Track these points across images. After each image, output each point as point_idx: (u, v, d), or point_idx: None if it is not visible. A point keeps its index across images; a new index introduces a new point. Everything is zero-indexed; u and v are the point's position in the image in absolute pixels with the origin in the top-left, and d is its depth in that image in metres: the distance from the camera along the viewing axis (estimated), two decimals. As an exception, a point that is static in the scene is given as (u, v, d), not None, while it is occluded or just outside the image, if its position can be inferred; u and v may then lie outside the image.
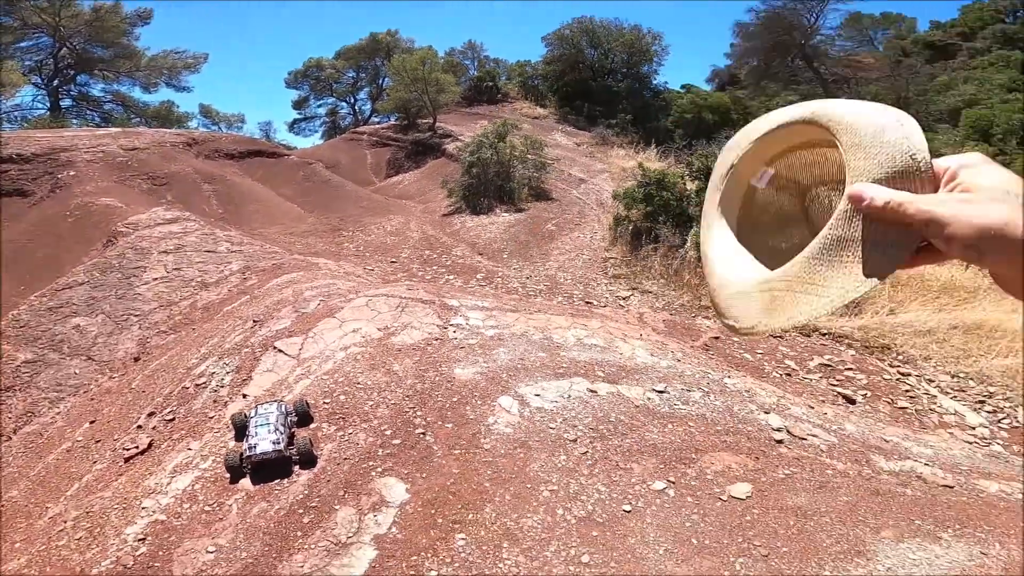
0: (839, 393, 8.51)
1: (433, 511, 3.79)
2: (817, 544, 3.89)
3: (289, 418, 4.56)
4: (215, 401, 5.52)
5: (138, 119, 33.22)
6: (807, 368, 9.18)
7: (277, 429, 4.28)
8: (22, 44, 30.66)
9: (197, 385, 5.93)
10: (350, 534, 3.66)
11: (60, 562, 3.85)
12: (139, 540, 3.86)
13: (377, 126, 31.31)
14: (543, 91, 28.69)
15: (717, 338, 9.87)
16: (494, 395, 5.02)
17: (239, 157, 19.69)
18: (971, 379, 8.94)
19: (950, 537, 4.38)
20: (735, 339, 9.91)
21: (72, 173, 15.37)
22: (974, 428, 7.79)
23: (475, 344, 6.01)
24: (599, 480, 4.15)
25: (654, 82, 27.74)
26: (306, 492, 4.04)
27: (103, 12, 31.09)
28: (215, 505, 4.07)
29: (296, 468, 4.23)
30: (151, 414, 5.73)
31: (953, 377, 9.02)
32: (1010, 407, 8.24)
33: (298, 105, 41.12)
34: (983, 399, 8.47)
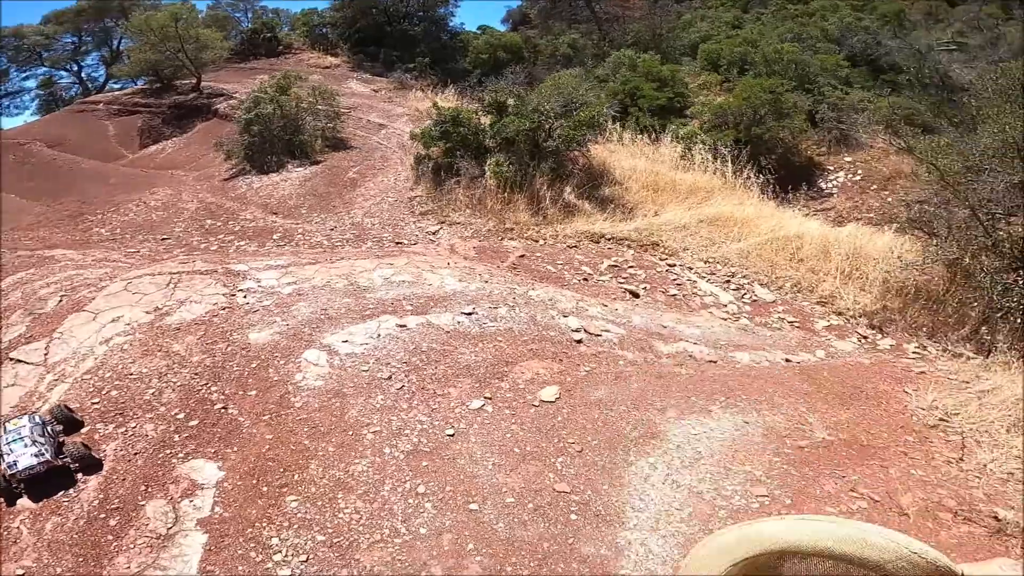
0: (626, 289, 9.69)
1: (255, 481, 3.67)
2: (620, 432, 4.58)
3: (48, 427, 4.00)
4: None
5: None
6: (599, 271, 10.38)
7: (36, 441, 3.78)
8: None
9: None
10: (169, 524, 3.43)
11: None
12: None
13: (117, 93, 25.99)
14: (333, 40, 26.37)
15: (523, 256, 10.62)
16: (298, 351, 4.83)
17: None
18: (718, 263, 10.54)
19: (718, 409, 5.16)
20: (538, 254, 10.77)
21: None
22: (726, 305, 9.04)
23: (271, 305, 5.64)
24: (419, 411, 4.36)
25: (451, 25, 27.33)
26: (101, 496, 3.65)
27: None
28: (2, 531, 3.46)
29: (80, 475, 3.79)
30: None
31: (706, 263, 10.56)
32: (747, 283, 9.88)
33: None
34: (728, 279, 10.06)
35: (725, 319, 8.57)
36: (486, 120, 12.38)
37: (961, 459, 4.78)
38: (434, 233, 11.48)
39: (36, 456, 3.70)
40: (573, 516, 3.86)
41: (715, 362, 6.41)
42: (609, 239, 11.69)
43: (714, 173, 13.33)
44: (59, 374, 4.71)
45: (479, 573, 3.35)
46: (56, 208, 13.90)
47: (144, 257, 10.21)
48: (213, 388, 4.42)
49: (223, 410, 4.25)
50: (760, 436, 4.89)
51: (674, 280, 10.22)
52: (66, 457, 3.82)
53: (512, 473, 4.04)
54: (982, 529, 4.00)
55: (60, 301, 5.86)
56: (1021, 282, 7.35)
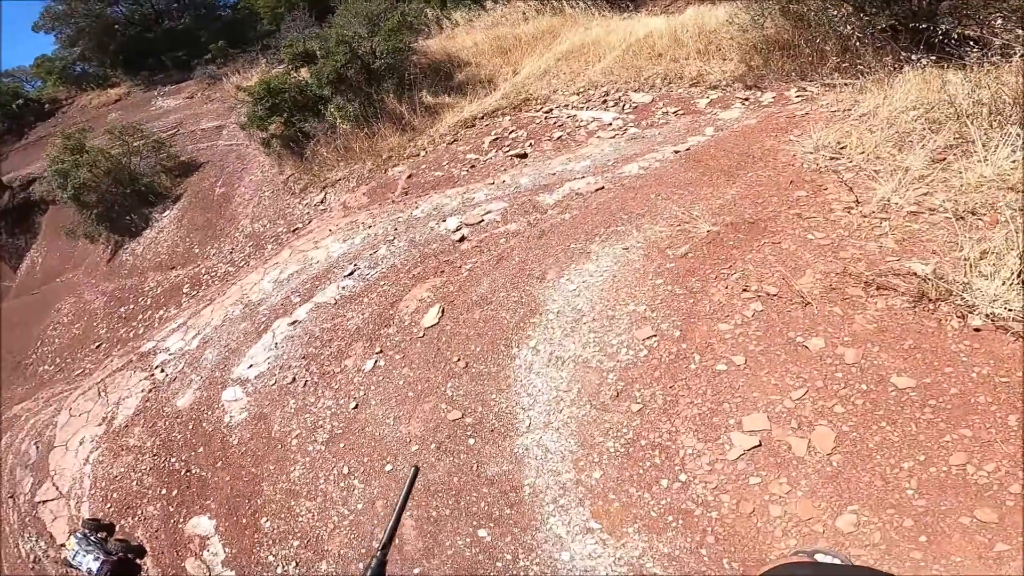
0: (513, 155, 9.76)
1: (236, 518, 4.47)
2: (500, 325, 4.47)
3: (91, 536, 4.89)
4: (56, 562, 5.35)
5: None
6: (483, 151, 10.44)
7: (87, 550, 4.69)
8: None
9: (36, 562, 5.48)
10: (206, 574, 4.22)
11: None
12: None
13: None
14: (99, 73, 23.72)
15: (411, 175, 10.63)
16: (217, 397, 5.36)
17: None
18: (589, 89, 10.62)
19: (597, 246, 4.78)
20: (424, 166, 10.73)
21: None
22: (611, 124, 9.17)
23: (184, 367, 6.12)
24: (325, 398, 4.83)
25: (219, 1, 24.39)
26: (158, 570, 4.50)
27: None
28: None
29: (137, 561, 4.67)
30: None
31: (578, 95, 10.63)
32: (622, 95, 9.99)
33: None
34: (604, 99, 10.16)
35: (614, 137, 8.71)
36: (304, 74, 11.78)
37: (858, 201, 4.24)
38: (322, 201, 11.45)
39: (96, 559, 4.58)
40: (471, 441, 3.90)
41: (603, 188, 6.16)
42: (482, 117, 11.64)
43: (551, 14, 13.19)
44: (76, 498, 5.53)
45: (411, 526, 3.59)
46: (-10, 370, 13.81)
47: (88, 374, 10.45)
48: (172, 459, 5.04)
49: (188, 473, 4.90)
50: (641, 259, 4.54)
51: (556, 123, 10.30)
52: (116, 552, 4.68)
53: (412, 420, 4.22)
54: (901, 299, 3.44)
55: (37, 448, 6.38)
56: (847, 6, 7.25)
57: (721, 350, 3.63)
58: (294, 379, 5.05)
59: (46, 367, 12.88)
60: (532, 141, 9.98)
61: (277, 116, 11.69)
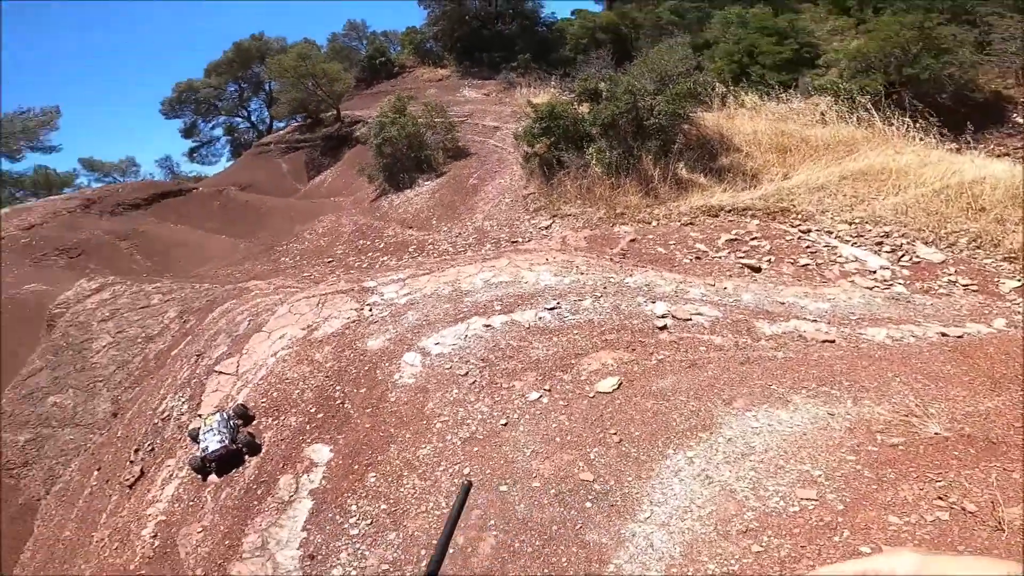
0: (745, 264, 9.06)
1: (351, 461, 4.80)
2: (668, 424, 4.53)
3: (231, 421, 5.58)
4: (179, 426, 6.49)
5: (22, 192, 32.44)
6: (716, 247, 10.03)
7: (220, 431, 5.34)
8: None
9: (163, 419, 6.89)
10: (291, 493, 4.70)
11: (110, 567, 5.01)
12: (152, 537, 4.96)
13: (282, 132, 30.96)
14: (439, 53, 28.50)
15: (634, 240, 10.75)
16: (400, 355, 5.95)
17: (145, 204, 19.90)
18: (867, 223, 9.46)
19: (801, 399, 4.61)
20: (650, 236, 10.79)
21: (-15, 268, 15.59)
22: (875, 272, 8.12)
23: (387, 316, 6.89)
24: (483, 403, 5.08)
25: (543, 16, 27.71)
26: (256, 472, 5.08)
27: None
28: (195, 499, 5.17)
29: (247, 457, 5.29)
30: (137, 450, 6.80)
31: (850, 225, 9.54)
32: (907, 243, 8.73)
33: (188, 133, 39.73)
34: (881, 240, 8.96)
35: (871, 288, 7.69)
36: (584, 108, 12.69)
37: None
38: (547, 228, 12.17)
39: (220, 443, 5.24)
40: (588, 504, 4.00)
41: (832, 342, 5.74)
42: (729, 211, 11.17)
43: (857, 124, 11.85)
44: (244, 381, 6.47)
45: (491, 546, 3.77)
46: (255, 242, 17.57)
47: (312, 280, 12.64)
48: (337, 387, 5.74)
49: (341, 404, 5.52)
50: (843, 431, 4.31)
51: (807, 248, 9.40)
52: (238, 443, 5.33)
53: (546, 460, 4.36)
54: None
55: (248, 324, 7.83)
56: None
57: (875, 535, 3.45)
58: (467, 373, 5.43)
59: (286, 259, 15.87)
60: (773, 257, 9.13)
61: (546, 137, 12.76)
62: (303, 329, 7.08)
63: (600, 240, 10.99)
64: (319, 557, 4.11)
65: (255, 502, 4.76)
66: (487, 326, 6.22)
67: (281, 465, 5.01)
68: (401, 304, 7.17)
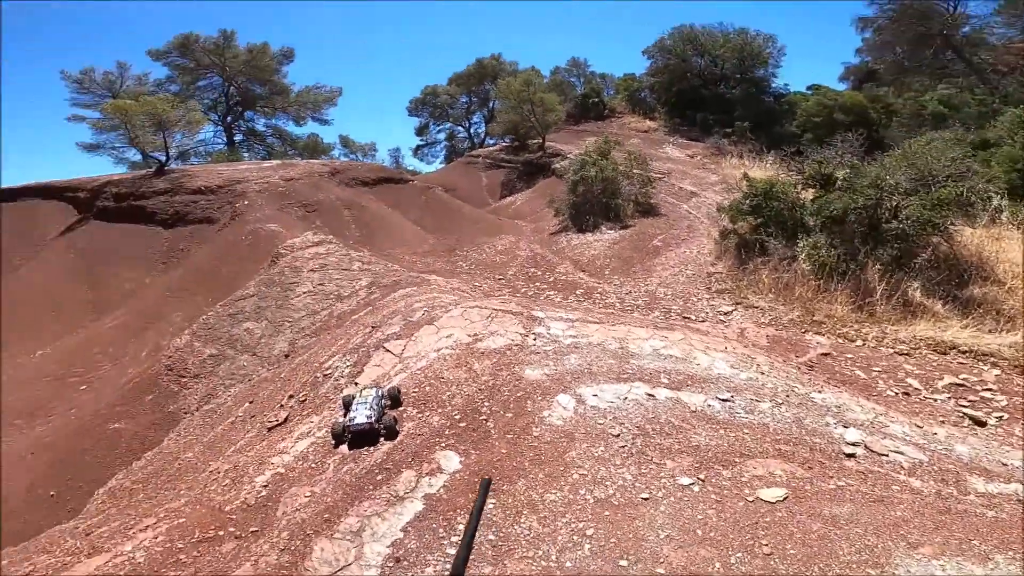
0: (966, 414, 7.76)
1: (476, 479, 4.63)
2: (832, 551, 3.96)
3: (383, 401, 5.75)
4: (335, 388, 7.00)
5: (293, 151, 39.50)
6: (933, 388, 8.48)
7: (372, 408, 5.48)
8: (200, 83, 38.19)
9: (324, 375, 7.51)
10: (407, 491, 4.64)
11: (206, 501, 5.28)
12: (264, 486, 5.18)
13: (491, 148, 33.52)
14: (651, 104, 28.78)
15: (827, 355, 9.51)
16: (554, 393, 5.77)
17: (372, 184, 22.82)
18: None
19: (1004, 560, 4.02)
20: (849, 355, 9.46)
21: (246, 203, 19.28)
22: None
23: (550, 351, 6.82)
24: (628, 470, 4.66)
25: (773, 86, 26.41)
26: (384, 458, 5.13)
27: (255, 52, 37.86)
28: (319, 463, 5.34)
29: (382, 440, 5.40)
30: (291, 396, 7.40)
31: None
32: None
33: (420, 132, 45.31)
34: None
35: None
36: (807, 195, 11.62)
37: None
38: (726, 313, 11.30)
39: (367, 418, 5.36)
40: None
41: None
42: (964, 351, 9.42)
43: None
44: (404, 366, 6.84)
45: None
46: (441, 241, 19.10)
47: (481, 291, 13.26)
48: (485, 403, 5.74)
49: (484, 421, 5.44)
50: None
51: (1058, 415, 7.66)
52: (382, 424, 5.43)
53: (679, 550, 3.92)
54: None
55: (422, 314, 8.36)
56: None
57: None
58: (619, 435, 5.07)
59: (463, 265, 16.89)
60: (1006, 416, 7.59)
61: (752, 217, 11.95)
62: (469, 336, 7.32)
63: (785, 343, 9.89)
64: (405, 563, 3.95)
65: (370, 487, 4.77)
66: (650, 395, 5.82)
67: (409, 460, 5.00)
68: (565, 344, 7.07)
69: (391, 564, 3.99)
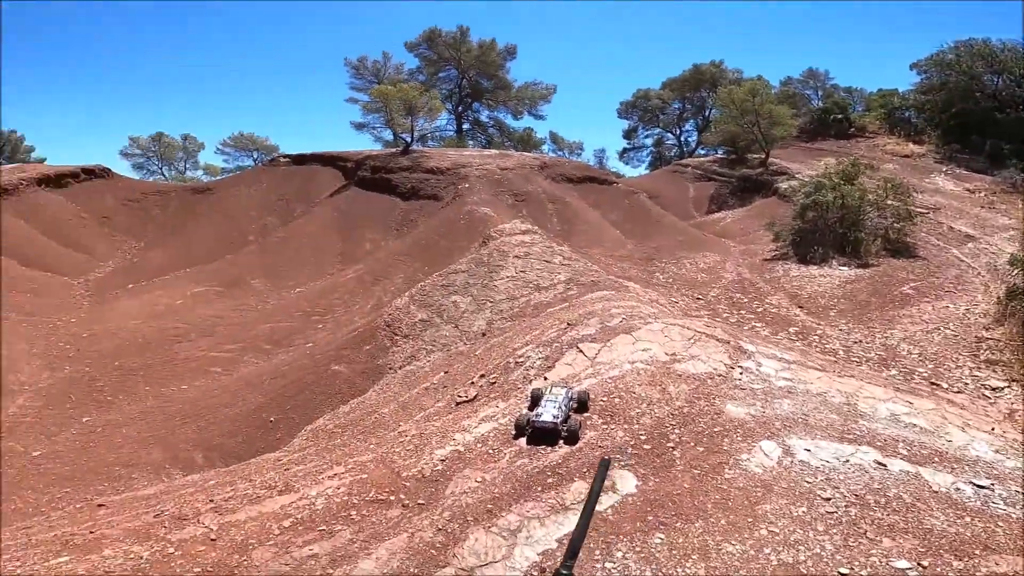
0: None
1: (649, 509, 4.36)
2: None
3: (571, 403, 5.76)
4: (525, 377, 7.28)
5: (509, 143, 42.40)
6: None
7: (560, 408, 5.51)
8: (440, 75, 42.96)
9: (516, 362, 7.87)
10: (574, 502, 4.55)
11: (388, 462, 5.69)
12: (441, 460, 5.51)
13: (702, 159, 31.69)
14: (918, 125, 24.00)
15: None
16: (758, 437, 5.20)
17: (576, 181, 23.36)
18: None
19: None
20: None
21: (466, 186, 21.28)
22: None
23: (758, 389, 6.18)
24: (830, 539, 3.95)
25: None
26: (559, 461, 5.12)
27: (485, 48, 41.27)
28: (496, 451, 5.52)
29: (561, 442, 5.39)
30: (482, 376, 7.90)
31: None
32: None
33: (628, 135, 44.73)
34: None
35: None
36: None
37: None
38: (995, 390, 9.07)
39: (553, 417, 5.38)
40: None
41: None
42: None
43: None
44: (595, 371, 6.82)
45: None
46: (640, 248, 18.71)
47: (678, 308, 12.65)
48: (676, 430, 5.41)
49: (671, 449, 5.12)
50: None
51: None
52: (565, 427, 5.39)
53: None
54: None
55: (620, 321, 8.26)
56: None
57: None
58: (829, 499, 4.35)
59: (660, 276, 16.18)
60: None
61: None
62: (667, 355, 7.00)
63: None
64: (549, 576, 3.86)
65: (538, 488, 4.78)
66: (880, 464, 4.90)
67: (584, 470, 4.93)
68: (777, 386, 6.33)
69: (535, 573, 3.93)
